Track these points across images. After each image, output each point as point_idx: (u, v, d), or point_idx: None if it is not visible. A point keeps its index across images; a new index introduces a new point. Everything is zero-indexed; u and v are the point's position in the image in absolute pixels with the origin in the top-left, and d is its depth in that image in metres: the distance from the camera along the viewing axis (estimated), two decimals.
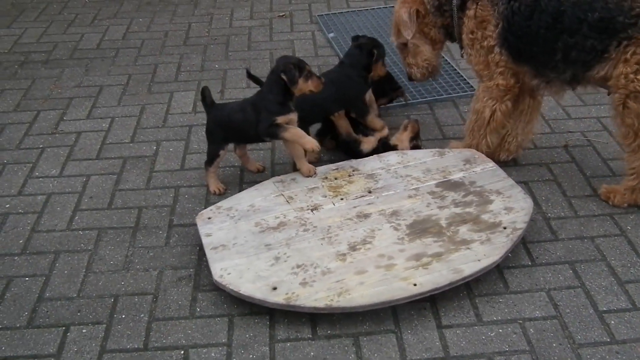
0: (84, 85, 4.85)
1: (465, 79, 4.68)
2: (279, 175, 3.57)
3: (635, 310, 2.86)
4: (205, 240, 3.19)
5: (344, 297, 2.82)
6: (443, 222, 3.18)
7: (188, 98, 4.63)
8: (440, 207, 3.27)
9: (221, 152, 3.62)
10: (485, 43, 3.38)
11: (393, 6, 5.90)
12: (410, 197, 3.36)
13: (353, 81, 3.81)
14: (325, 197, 3.39)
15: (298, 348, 2.73)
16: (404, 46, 3.76)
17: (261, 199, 3.40)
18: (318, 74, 3.57)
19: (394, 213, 3.25)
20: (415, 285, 2.85)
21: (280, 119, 3.42)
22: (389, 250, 3.04)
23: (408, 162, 3.61)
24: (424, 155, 3.66)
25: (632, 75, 3.06)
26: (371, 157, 3.69)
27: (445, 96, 4.51)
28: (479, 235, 3.09)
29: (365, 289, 2.85)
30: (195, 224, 3.36)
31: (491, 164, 3.55)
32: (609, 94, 3.32)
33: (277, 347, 2.74)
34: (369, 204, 3.32)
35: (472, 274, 2.91)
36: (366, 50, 3.83)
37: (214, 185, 3.65)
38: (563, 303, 2.90)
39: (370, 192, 3.39)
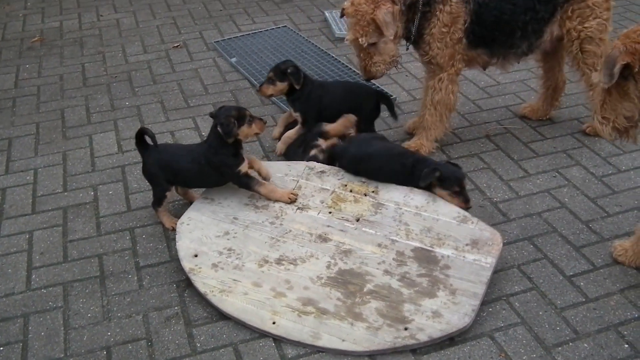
0: None
1: None
2: (314, 162, 3.76)
3: (596, 270, 3.19)
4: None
5: (220, 297, 3.00)
6: (368, 287, 3.01)
7: (109, 139, 4.49)
8: (385, 272, 3.08)
9: (168, 193, 3.58)
10: (456, 36, 3.79)
11: (285, 26, 6.18)
12: (379, 245, 3.21)
13: None
14: (322, 203, 3.46)
15: None
16: (371, 45, 3.78)
17: (282, 175, 3.65)
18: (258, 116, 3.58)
19: (347, 252, 3.19)
20: (274, 323, 2.88)
21: (242, 169, 3.46)
22: (298, 282, 3.05)
23: (424, 211, 3.36)
24: (447, 213, 3.35)
25: (579, 27, 3.86)
26: (404, 187, 3.51)
27: None
28: (376, 319, 2.86)
29: (241, 300, 2.98)
30: (164, 262, 3.33)
31: (489, 260, 3.09)
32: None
33: None
34: (341, 230, 3.31)
35: (324, 347, 2.80)
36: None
37: (169, 222, 3.59)
38: (535, 275, 3.18)
39: (357, 220, 3.35)
